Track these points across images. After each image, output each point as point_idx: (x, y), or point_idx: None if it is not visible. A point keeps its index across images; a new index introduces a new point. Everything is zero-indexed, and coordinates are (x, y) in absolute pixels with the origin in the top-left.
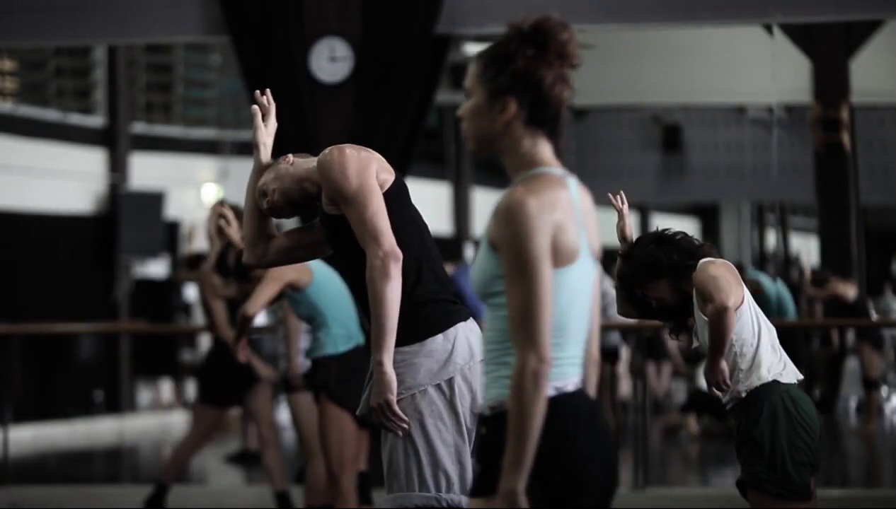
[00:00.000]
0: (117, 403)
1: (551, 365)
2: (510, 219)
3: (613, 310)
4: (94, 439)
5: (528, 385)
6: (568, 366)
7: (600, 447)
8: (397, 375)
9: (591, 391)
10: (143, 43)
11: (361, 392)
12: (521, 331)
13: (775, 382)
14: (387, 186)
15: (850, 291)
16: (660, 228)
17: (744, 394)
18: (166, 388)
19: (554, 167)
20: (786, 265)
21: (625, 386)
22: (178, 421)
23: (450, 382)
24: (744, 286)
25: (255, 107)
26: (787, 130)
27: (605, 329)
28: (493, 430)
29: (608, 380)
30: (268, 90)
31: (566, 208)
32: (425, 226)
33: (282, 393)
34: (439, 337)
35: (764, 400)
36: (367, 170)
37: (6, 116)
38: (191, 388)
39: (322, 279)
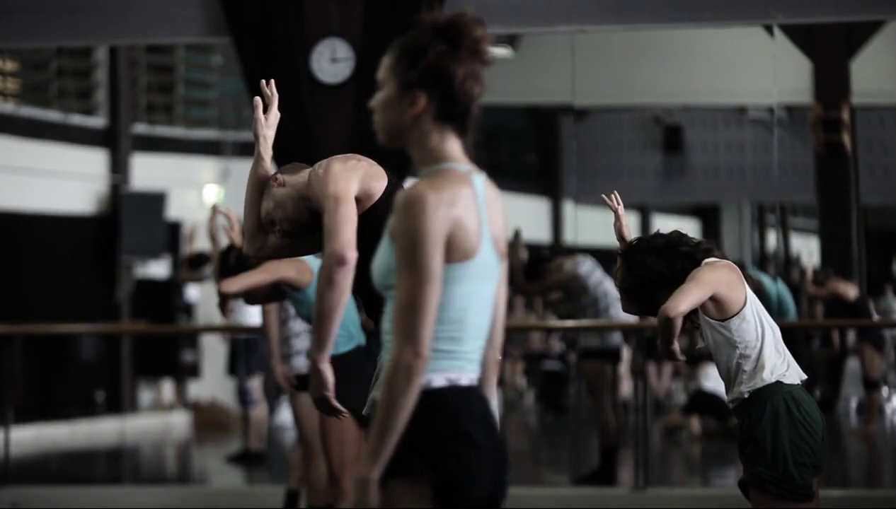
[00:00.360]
0: (118, 404)
1: (427, 361)
2: (407, 212)
3: (616, 309)
4: (96, 439)
5: (399, 378)
6: (464, 360)
7: (491, 445)
8: None
9: (490, 390)
10: (145, 44)
11: (363, 392)
12: (403, 323)
13: (778, 383)
14: (379, 195)
15: (850, 290)
16: (654, 232)
17: (746, 395)
18: (167, 389)
19: (460, 163)
20: (786, 265)
21: (626, 387)
22: (179, 422)
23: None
24: (746, 287)
25: (258, 98)
26: (787, 131)
27: (607, 329)
28: None
29: (610, 380)
30: (272, 81)
31: (467, 205)
32: None
33: (285, 393)
34: None
35: (766, 400)
36: (347, 181)
37: (8, 117)
38: (192, 389)
39: None
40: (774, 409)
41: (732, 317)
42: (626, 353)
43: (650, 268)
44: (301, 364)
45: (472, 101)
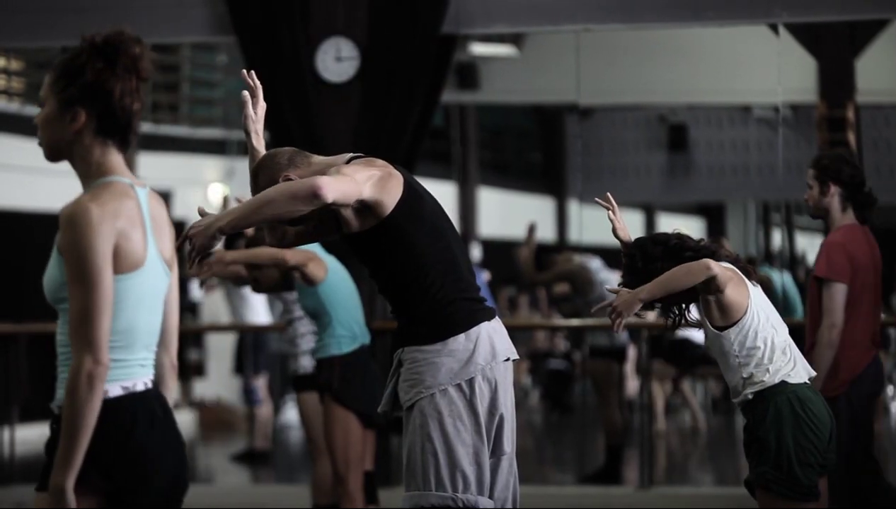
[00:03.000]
0: None
1: (108, 367)
2: (73, 225)
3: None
4: None
5: (82, 386)
6: (136, 367)
7: (170, 447)
8: (418, 374)
9: (169, 395)
10: (150, 43)
11: (367, 392)
12: (79, 333)
13: (783, 383)
14: (395, 202)
15: None
16: (653, 234)
17: (751, 396)
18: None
19: (121, 176)
20: (791, 264)
21: (631, 386)
22: (184, 421)
23: (470, 382)
24: (751, 289)
25: (245, 93)
26: (792, 130)
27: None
28: (59, 428)
29: (617, 379)
30: (252, 71)
31: (131, 216)
32: (446, 218)
33: (291, 392)
34: (461, 336)
35: (770, 400)
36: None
37: (13, 116)
38: (198, 388)
39: (335, 279)
40: (778, 409)
41: (732, 325)
42: (631, 352)
43: (658, 270)
44: (307, 364)
45: (132, 116)
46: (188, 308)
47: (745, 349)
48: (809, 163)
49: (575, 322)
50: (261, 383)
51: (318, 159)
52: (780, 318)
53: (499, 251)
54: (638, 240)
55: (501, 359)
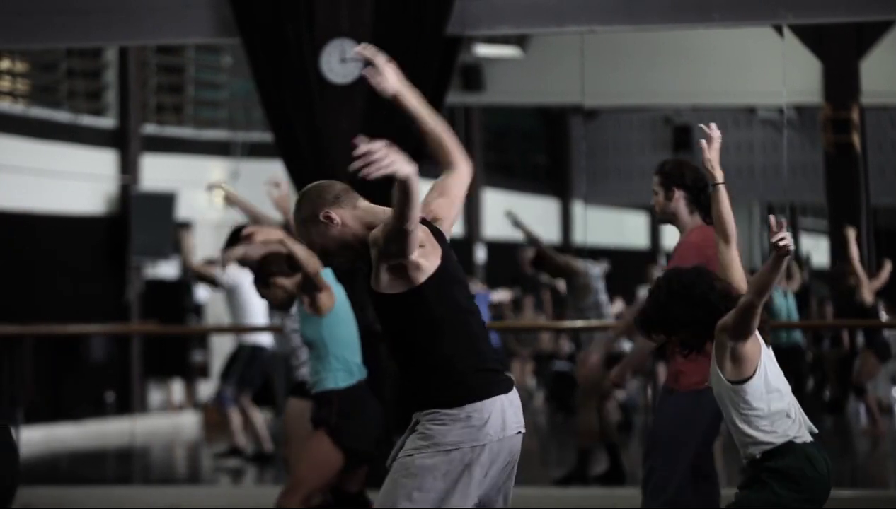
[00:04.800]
0: (128, 404)
1: None
2: None
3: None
4: (106, 440)
5: None
6: None
7: None
8: (429, 430)
9: None
10: (155, 44)
11: (364, 430)
12: None
13: (790, 444)
14: (429, 275)
15: (867, 294)
16: (675, 269)
17: (758, 456)
18: (177, 389)
19: None
20: (798, 266)
21: (632, 387)
22: (189, 422)
23: (477, 450)
24: (763, 350)
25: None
26: (797, 131)
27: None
28: None
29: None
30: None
31: None
32: (465, 286)
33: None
34: (478, 405)
35: (778, 459)
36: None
37: (18, 118)
38: (202, 389)
39: (339, 313)
40: (786, 466)
41: (742, 381)
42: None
43: (671, 313)
44: (304, 373)
45: None
46: (192, 310)
47: (753, 408)
48: (655, 169)
49: (579, 323)
50: (230, 392)
51: (363, 205)
52: (784, 380)
53: (503, 253)
54: (659, 278)
55: (511, 433)
